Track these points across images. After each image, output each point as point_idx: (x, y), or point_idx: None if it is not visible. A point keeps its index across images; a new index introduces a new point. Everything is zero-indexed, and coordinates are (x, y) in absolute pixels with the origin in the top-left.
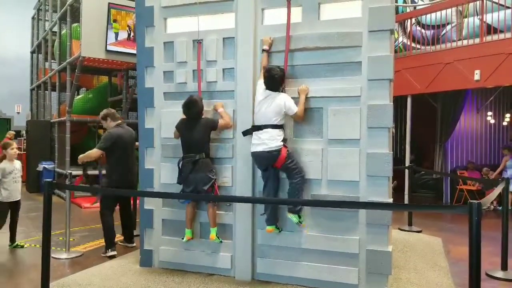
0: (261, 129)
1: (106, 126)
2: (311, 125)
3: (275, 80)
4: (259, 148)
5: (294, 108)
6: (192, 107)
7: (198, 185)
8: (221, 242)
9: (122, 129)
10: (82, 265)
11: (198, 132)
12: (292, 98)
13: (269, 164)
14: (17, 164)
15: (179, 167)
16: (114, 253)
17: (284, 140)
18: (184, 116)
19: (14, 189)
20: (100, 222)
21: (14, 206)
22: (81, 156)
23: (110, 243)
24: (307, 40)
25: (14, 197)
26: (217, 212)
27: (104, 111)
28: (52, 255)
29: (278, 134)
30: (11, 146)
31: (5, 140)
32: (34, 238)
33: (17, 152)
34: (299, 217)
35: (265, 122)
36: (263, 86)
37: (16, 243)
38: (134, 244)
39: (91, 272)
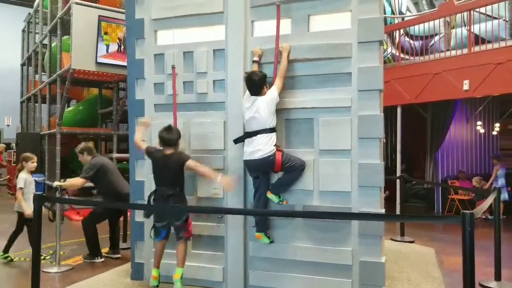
0: (255, 135)
1: (82, 160)
2: (302, 136)
3: (255, 84)
4: (256, 156)
5: (274, 93)
6: (171, 135)
7: (171, 220)
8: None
9: (102, 157)
10: (73, 279)
11: (173, 165)
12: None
13: (266, 170)
14: (32, 179)
15: (149, 202)
16: (102, 259)
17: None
18: (158, 146)
19: (32, 200)
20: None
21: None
22: (65, 184)
23: (96, 250)
24: (296, 52)
25: (31, 208)
26: (208, 224)
27: (82, 145)
28: (42, 269)
29: (272, 138)
30: (32, 160)
31: (26, 154)
32: (25, 252)
33: (35, 165)
34: (279, 197)
35: (260, 127)
36: (248, 93)
37: (8, 255)
38: (119, 255)
39: (82, 286)
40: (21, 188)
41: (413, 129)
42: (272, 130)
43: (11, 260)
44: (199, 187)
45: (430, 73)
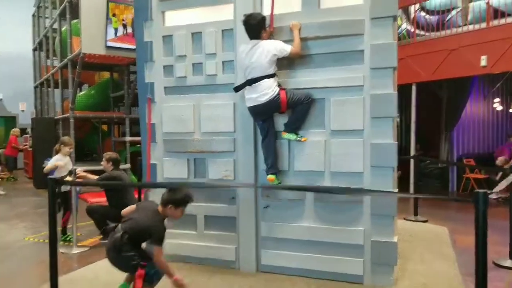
0: (258, 81)
1: (105, 166)
2: (313, 117)
3: (253, 26)
4: (263, 99)
5: (287, 47)
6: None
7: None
8: None
9: (122, 173)
10: (89, 259)
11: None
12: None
13: (273, 112)
14: (69, 159)
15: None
16: None
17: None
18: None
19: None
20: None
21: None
22: (81, 174)
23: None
24: (307, 30)
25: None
26: (220, 205)
27: (113, 155)
28: (60, 250)
29: (274, 82)
30: (69, 146)
31: (65, 139)
32: (42, 234)
33: (72, 150)
34: (295, 134)
35: (260, 73)
36: (246, 43)
37: (68, 234)
38: None
39: (98, 266)
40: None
41: (428, 107)
42: (272, 75)
43: (70, 239)
44: (210, 170)
45: (447, 49)
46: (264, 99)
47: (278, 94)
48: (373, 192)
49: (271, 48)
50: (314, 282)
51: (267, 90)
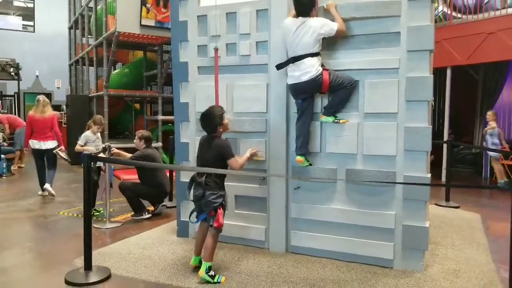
0: (302, 59)
1: (137, 145)
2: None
3: (305, 4)
4: (305, 78)
5: (334, 26)
6: (205, 121)
7: (201, 206)
8: (217, 282)
9: (154, 151)
10: (122, 235)
11: (211, 151)
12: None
13: (314, 92)
14: (98, 136)
15: (190, 186)
16: (149, 215)
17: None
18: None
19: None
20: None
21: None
22: (116, 151)
23: (140, 207)
24: (343, 11)
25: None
26: (251, 186)
27: (145, 133)
28: (94, 225)
29: (318, 61)
30: (98, 126)
31: (97, 118)
32: (76, 209)
33: (100, 130)
34: (335, 117)
35: (304, 51)
36: (293, 19)
37: (95, 208)
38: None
39: (131, 241)
40: (80, 145)
41: (463, 91)
42: (317, 53)
43: (99, 212)
44: (241, 150)
45: (484, 33)
46: (306, 77)
47: (321, 74)
48: (406, 184)
49: (318, 27)
50: (343, 265)
51: (310, 69)
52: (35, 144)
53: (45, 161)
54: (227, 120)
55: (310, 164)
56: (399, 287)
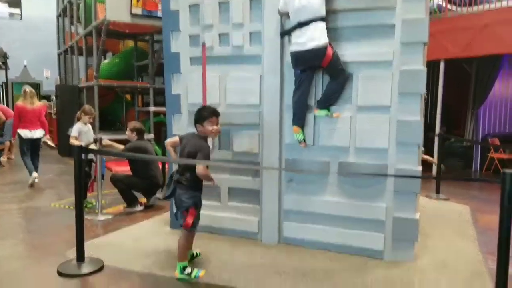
0: (308, 25)
1: (129, 136)
2: None
3: None
4: (310, 45)
5: None
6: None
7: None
8: (195, 277)
9: (146, 143)
10: (114, 226)
11: (188, 149)
12: None
13: (315, 64)
14: (90, 127)
15: (169, 182)
16: (142, 207)
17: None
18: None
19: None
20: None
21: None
22: (108, 142)
23: (132, 200)
24: (336, 1)
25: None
26: (244, 178)
27: (137, 125)
28: (86, 216)
29: (324, 28)
30: (89, 116)
31: (86, 108)
32: (68, 200)
33: (91, 120)
34: (328, 110)
35: (311, 15)
36: None
37: (86, 200)
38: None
39: (123, 233)
40: (74, 137)
41: (456, 85)
42: (324, 18)
43: (91, 204)
44: (234, 143)
45: (479, 25)
46: (311, 44)
47: (326, 46)
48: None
49: None
50: (334, 256)
51: (317, 34)
52: (27, 133)
53: (29, 151)
54: (216, 127)
55: (304, 139)
56: (389, 278)
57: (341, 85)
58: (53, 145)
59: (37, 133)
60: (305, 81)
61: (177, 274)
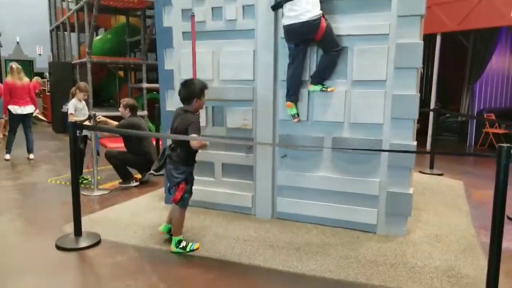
0: None
1: (122, 113)
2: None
3: None
4: (304, 18)
5: None
6: (183, 88)
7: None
8: (191, 250)
9: (140, 119)
10: (110, 202)
11: (179, 123)
12: None
13: (308, 36)
14: (84, 104)
15: (162, 157)
16: (137, 183)
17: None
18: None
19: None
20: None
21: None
22: (102, 119)
23: (127, 175)
24: None
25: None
26: (237, 154)
27: (130, 101)
28: (82, 192)
29: (318, 0)
30: (84, 93)
31: (81, 85)
32: (64, 176)
33: (86, 96)
34: (322, 85)
35: None
36: None
37: (82, 176)
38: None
39: (119, 208)
40: (71, 114)
41: (452, 59)
42: None
43: (87, 180)
44: (228, 118)
45: None
46: (305, 17)
47: (320, 18)
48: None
49: None
50: (328, 230)
51: (310, 7)
52: (17, 109)
53: (20, 128)
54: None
55: (297, 114)
56: (382, 251)
57: (335, 59)
58: (45, 119)
59: (27, 108)
60: (299, 55)
61: (173, 248)
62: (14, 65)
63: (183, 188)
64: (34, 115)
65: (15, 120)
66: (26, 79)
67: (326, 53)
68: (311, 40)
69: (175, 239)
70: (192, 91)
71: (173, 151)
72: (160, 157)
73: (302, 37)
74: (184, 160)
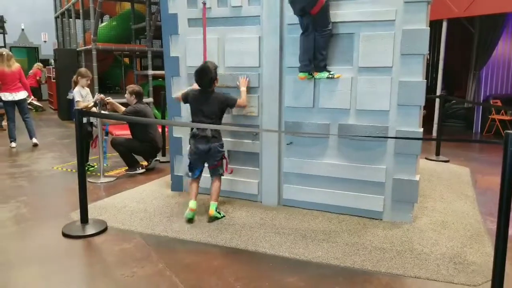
0: None
1: (128, 99)
2: (340, 53)
3: None
4: None
5: None
6: (203, 76)
7: (209, 159)
8: (223, 216)
9: (146, 106)
10: (117, 189)
11: (213, 102)
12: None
13: (306, 6)
14: (88, 90)
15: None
16: (143, 170)
17: None
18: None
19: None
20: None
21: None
22: (111, 101)
23: (133, 162)
24: None
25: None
26: (243, 141)
27: (136, 88)
28: (88, 179)
29: None
30: (86, 78)
31: (82, 71)
32: (70, 163)
33: (89, 82)
34: (329, 72)
35: None
36: None
37: (89, 163)
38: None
39: (126, 195)
40: (78, 101)
41: (458, 45)
42: None
43: (93, 167)
44: None
45: None
46: None
47: None
48: (397, 138)
49: None
50: (334, 217)
51: None
52: (8, 96)
53: (16, 116)
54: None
55: (312, 76)
56: (388, 238)
57: (326, 40)
58: (40, 104)
59: (19, 95)
60: (309, 25)
61: (212, 211)
62: (5, 51)
63: (226, 159)
64: (29, 101)
65: (9, 107)
66: (16, 65)
67: (317, 33)
68: (307, 13)
69: (215, 204)
70: (212, 77)
71: (213, 131)
72: (192, 140)
73: (303, 9)
74: (220, 135)
